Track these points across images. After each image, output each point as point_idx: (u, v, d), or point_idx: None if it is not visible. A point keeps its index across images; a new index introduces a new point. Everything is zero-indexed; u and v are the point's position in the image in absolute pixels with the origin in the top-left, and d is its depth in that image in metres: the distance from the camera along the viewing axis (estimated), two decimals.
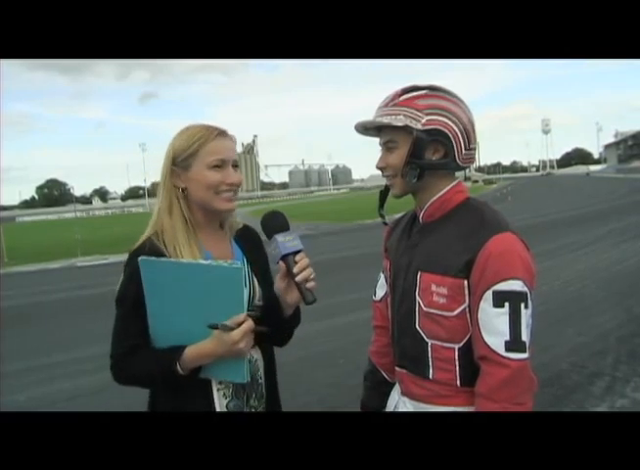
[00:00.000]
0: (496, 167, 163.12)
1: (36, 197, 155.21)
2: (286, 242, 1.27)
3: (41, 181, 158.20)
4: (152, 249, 1.31)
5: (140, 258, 1.25)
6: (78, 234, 18.45)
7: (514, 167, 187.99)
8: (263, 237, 1.41)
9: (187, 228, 1.34)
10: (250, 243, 1.47)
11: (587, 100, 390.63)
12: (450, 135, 1.28)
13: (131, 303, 1.29)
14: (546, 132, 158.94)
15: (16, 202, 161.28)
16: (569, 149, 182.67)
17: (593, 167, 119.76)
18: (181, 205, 1.35)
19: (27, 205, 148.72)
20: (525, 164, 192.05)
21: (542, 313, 5.41)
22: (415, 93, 1.30)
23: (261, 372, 1.40)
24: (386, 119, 1.30)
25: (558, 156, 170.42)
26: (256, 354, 1.40)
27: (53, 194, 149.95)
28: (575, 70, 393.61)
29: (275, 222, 1.31)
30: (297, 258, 1.28)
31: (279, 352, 1.47)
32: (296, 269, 1.27)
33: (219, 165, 1.33)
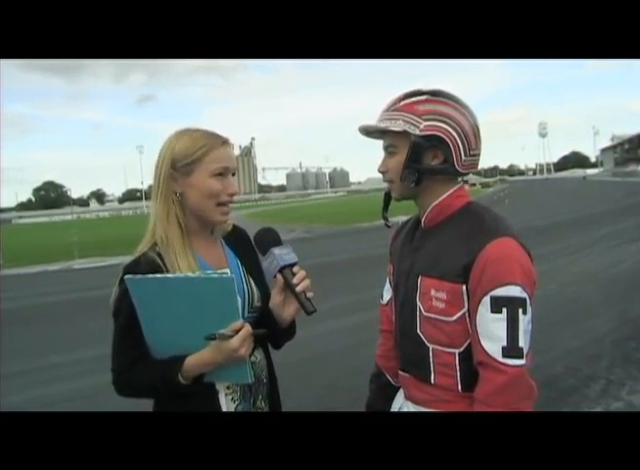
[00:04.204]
0: (493, 171, 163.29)
1: (33, 199, 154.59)
2: (283, 254, 1.29)
3: (38, 183, 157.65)
4: (148, 263, 1.28)
5: (126, 278, 1.23)
6: (75, 236, 18.38)
7: (511, 171, 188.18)
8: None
9: (182, 234, 1.32)
10: (241, 244, 1.46)
11: (584, 103, 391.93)
12: (449, 141, 1.27)
13: (127, 317, 1.28)
14: (543, 136, 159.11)
15: (12, 204, 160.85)
16: (566, 152, 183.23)
17: (590, 171, 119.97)
18: (176, 210, 1.33)
19: (24, 207, 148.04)
20: (522, 167, 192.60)
21: (537, 316, 5.39)
22: (415, 98, 1.30)
23: (265, 373, 1.41)
24: (385, 124, 1.30)
25: (555, 159, 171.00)
26: (259, 355, 1.40)
27: (50, 196, 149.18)
28: (572, 74, 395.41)
29: (269, 237, 1.33)
30: (295, 269, 1.29)
31: (277, 354, 1.48)
32: (295, 280, 1.28)
33: (222, 174, 1.32)
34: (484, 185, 75.16)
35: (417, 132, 1.27)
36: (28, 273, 14.67)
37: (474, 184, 77.39)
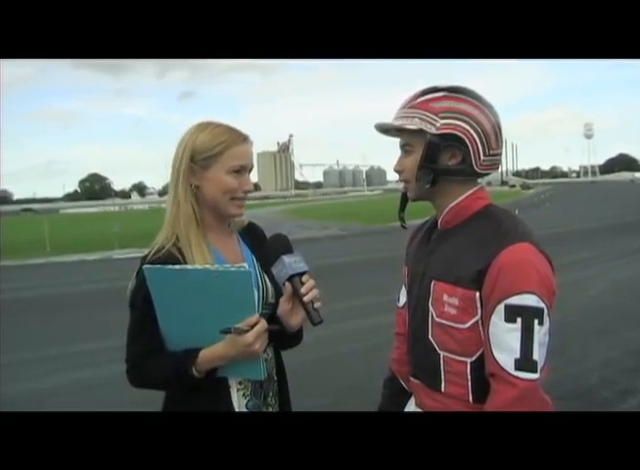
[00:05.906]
0: (535, 172, 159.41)
1: (79, 190, 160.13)
2: (293, 263, 1.27)
3: (83, 175, 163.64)
4: (167, 256, 1.29)
5: (145, 267, 1.24)
6: (116, 227, 18.91)
7: (553, 173, 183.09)
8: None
9: (198, 227, 1.33)
10: (256, 240, 1.45)
11: (633, 103, 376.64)
12: (467, 140, 1.22)
13: (143, 308, 1.29)
14: (589, 137, 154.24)
15: (60, 194, 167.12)
16: (612, 154, 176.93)
17: (639, 174, 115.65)
18: (192, 203, 1.33)
19: (71, 197, 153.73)
20: (565, 169, 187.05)
21: (574, 324, 5.25)
22: (432, 95, 1.25)
23: (275, 370, 1.41)
24: (400, 122, 1.26)
25: (601, 161, 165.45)
26: (271, 353, 1.40)
27: (94, 188, 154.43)
28: (620, 72, 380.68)
29: (280, 244, 1.31)
30: (304, 279, 1.28)
31: (295, 353, 1.47)
32: (303, 290, 1.27)
33: (239, 171, 1.32)
34: (524, 187, 73.30)
35: (433, 131, 1.22)
36: (70, 261, 15.20)
37: (514, 185, 75.75)
